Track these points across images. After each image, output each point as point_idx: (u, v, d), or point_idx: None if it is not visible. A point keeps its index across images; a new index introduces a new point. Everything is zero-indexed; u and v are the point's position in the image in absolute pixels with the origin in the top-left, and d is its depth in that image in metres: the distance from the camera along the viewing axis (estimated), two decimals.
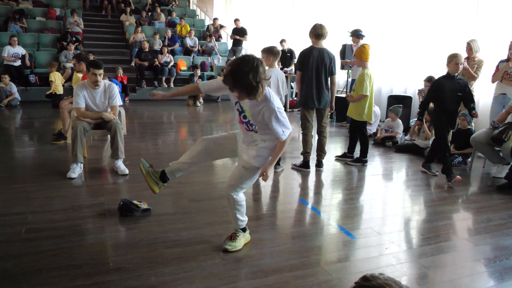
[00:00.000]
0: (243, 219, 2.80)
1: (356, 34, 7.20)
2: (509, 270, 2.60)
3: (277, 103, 2.44)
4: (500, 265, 2.68)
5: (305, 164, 4.75)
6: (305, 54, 4.60)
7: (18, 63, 9.60)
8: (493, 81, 5.57)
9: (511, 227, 3.30)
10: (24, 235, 2.83)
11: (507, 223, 3.39)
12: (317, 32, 4.53)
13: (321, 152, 4.81)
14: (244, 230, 2.83)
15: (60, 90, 8.75)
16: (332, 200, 3.95)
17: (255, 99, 2.32)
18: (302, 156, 4.81)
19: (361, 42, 7.04)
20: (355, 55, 4.97)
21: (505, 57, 5.48)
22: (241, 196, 2.72)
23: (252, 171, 2.62)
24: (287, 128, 2.49)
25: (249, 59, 2.27)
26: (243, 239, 2.80)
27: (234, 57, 12.35)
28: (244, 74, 2.21)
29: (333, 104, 4.82)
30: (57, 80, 8.67)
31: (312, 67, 4.55)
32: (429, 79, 6.69)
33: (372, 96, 4.88)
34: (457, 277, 2.50)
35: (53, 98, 8.64)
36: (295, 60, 10.09)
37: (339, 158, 5.31)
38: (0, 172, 4.28)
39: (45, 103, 9.08)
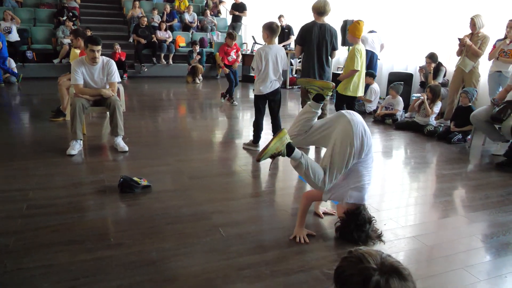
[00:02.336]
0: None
1: None
2: (505, 246, 2.64)
3: None
4: (497, 241, 2.71)
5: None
6: (307, 29, 4.55)
7: (14, 38, 9.45)
8: (489, 59, 5.62)
9: (509, 204, 3.33)
10: (25, 212, 2.85)
11: (504, 200, 3.41)
12: (320, 10, 4.50)
13: None
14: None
15: None
16: None
17: None
18: None
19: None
20: (348, 30, 4.87)
21: (503, 35, 5.46)
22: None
23: None
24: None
25: None
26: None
27: None
28: None
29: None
30: None
31: (313, 42, 4.51)
32: (431, 56, 6.62)
33: (361, 72, 4.76)
34: (453, 253, 2.54)
35: None
36: (293, 36, 9.97)
37: None
38: None
39: (43, 80, 9.01)
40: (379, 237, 2.60)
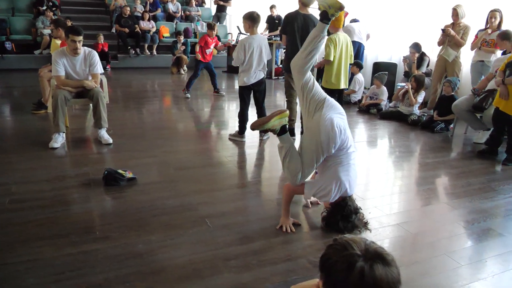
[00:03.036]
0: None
1: None
2: (485, 232, 2.71)
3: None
4: (478, 226, 2.78)
5: (290, 132, 4.75)
6: (290, 18, 4.46)
7: None
8: (472, 49, 5.72)
9: (489, 190, 3.41)
10: (8, 206, 2.81)
11: (485, 187, 3.49)
12: (305, 0, 4.40)
13: (291, 119, 4.73)
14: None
15: None
16: None
17: None
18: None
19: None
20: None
21: (484, 25, 5.55)
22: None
23: None
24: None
25: None
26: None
27: (218, 23, 12.10)
28: None
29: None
30: None
31: (296, 32, 4.42)
32: (414, 46, 6.68)
33: (340, 62, 4.63)
34: (436, 239, 2.59)
35: None
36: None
37: None
38: None
39: (24, 71, 8.80)
40: (365, 225, 2.63)
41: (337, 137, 2.43)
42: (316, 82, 2.64)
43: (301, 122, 4.80)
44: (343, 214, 2.55)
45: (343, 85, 4.73)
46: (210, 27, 7.20)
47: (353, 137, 4.61)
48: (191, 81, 7.19)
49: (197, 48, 7.12)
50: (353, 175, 2.60)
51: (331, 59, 4.56)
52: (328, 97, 2.60)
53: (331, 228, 2.62)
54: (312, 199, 3.00)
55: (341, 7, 2.47)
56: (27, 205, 2.82)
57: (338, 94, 4.96)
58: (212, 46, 7.19)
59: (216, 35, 7.45)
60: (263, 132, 2.68)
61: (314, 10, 4.61)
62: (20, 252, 2.25)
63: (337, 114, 2.53)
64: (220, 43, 7.45)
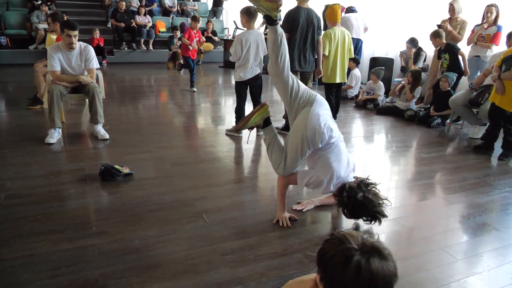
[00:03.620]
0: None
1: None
2: (481, 226, 2.72)
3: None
4: (473, 221, 2.79)
5: (287, 127, 4.76)
6: (293, 14, 4.40)
7: None
8: (468, 44, 5.72)
9: (485, 185, 3.42)
10: (3, 202, 2.79)
11: (481, 182, 3.50)
12: None
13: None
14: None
15: None
16: None
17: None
18: (284, 120, 4.81)
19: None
20: (326, 16, 4.86)
21: (480, 20, 5.55)
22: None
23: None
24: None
25: None
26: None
27: (215, 17, 12.04)
28: None
29: (321, 67, 4.79)
30: None
31: (300, 28, 4.36)
32: (411, 41, 6.68)
33: (336, 57, 4.73)
34: (432, 234, 2.60)
35: None
36: (279, 22, 9.87)
37: None
38: None
39: (19, 67, 8.74)
40: (383, 198, 2.49)
41: (324, 134, 2.43)
42: (300, 83, 2.61)
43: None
44: (355, 204, 2.42)
45: (339, 79, 4.76)
46: (195, 19, 7.18)
47: (350, 132, 4.61)
48: (192, 76, 7.21)
49: (185, 41, 7.09)
50: (345, 162, 2.55)
51: (326, 53, 4.61)
52: (318, 95, 2.59)
53: (354, 218, 2.53)
54: (309, 206, 2.90)
55: (278, 7, 2.43)
56: (23, 201, 2.81)
57: (336, 89, 4.98)
58: (194, 41, 7.12)
59: (213, 30, 7.41)
60: (250, 129, 2.75)
61: (313, 4, 4.61)
62: (16, 248, 2.24)
63: (325, 110, 2.54)
64: (202, 38, 7.37)
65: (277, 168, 2.62)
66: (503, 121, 4.16)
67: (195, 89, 7.30)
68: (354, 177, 2.60)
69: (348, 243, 1.04)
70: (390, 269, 1.02)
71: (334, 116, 5.11)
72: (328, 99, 4.93)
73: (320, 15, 6.06)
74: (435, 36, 5.54)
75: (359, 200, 2.41)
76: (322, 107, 2.53)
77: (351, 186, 2.47)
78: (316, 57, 4.66)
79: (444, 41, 5.50)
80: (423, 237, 2.56)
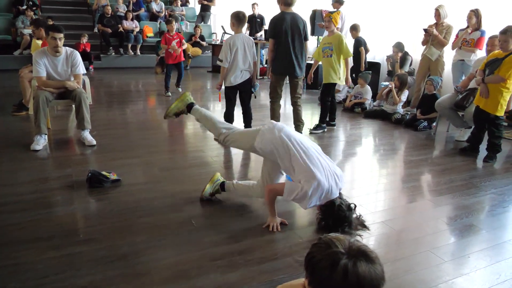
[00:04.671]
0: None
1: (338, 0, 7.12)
2: (468, 228, 2.75)
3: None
4: (461, 223, 2.82)
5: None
6: (277, 20, 4.41)
7: None
8: (453, 48, 5.83)
9: (471, 187, 3.47)
10: None
11: (467, 183, 3.56)
12: (287, 1, 4.37)
13: (298, 123, 4.73)
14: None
15: None
16: None
17: None
18: None
19: (341, 8, 7.02)
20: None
21: (465, 25, 5.66)
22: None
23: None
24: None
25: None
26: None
27: (203, 22, 12.04)
28: None
29: (312, 73, 5.05)
30: None
31: (286, 33, 4.37)
32: (398, 45, 6.77)
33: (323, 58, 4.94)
34: (420, 236, 2.63)
35: None
36: (265, 27, 9.91)
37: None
38: None
39: (3, 72, 8.61)
40: (362, 225, 2.62)
41: (284, 145, 2.52)
42: (237, 137, 2.87)
43: (295, 126, 4.81)
44: (335, 218, 2.50)
45: (331, 80, 4.88)
46: (169, 22, 7.09)
47: (338, 136, 4.63)
48: (166, 81, 7.30)
49: (162, 46, 7.11)
50: (332, 177, 2.49)
51: (316, 57, 4.75)
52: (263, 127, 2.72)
53: (326, 231, 2.57)
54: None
55: (186, 94, 3.14)
56: (8, 208, 2.76)
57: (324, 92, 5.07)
58: (174, 43, 7.01)
59: (201, 35, 7.44)
60: (176, 116, 3.14)
61: (297, 9, 4.64)
62: (2, 256, 2.20)
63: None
64: (183, 42, 7.33)
65: (218, 134, 2.93)
66: (488, 124, 4.23)
67: (180, 89, 7.51)
68: (340, 193, 2.59)
69: (335, 247, 1.05)
70: (377, 272, 1.02)
71: (332, 118, 5.20)
72: (327, 101, 5.04)
73: (307, 20, 6.14)
74: (351, 29, 6.80)
75: (346, 220, 2.53)
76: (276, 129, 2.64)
77: (341, 205, 2.52)
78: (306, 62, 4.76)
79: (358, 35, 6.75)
80: (411, 239, 2.59)
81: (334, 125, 5.31)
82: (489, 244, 2.56)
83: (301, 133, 4.74)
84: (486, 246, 2.53)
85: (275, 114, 4.70)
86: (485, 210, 3.07)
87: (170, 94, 7.26)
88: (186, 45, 7.72)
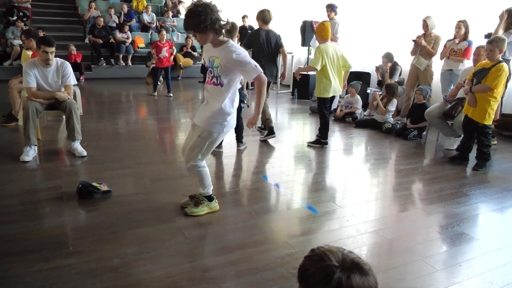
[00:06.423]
0: (206, 185, 2.89)
1: (331, 7, 7.19)
2: (459, 236, 2.77)
3: (241, 50, 2.61)
4: (452, 231, 2.84)
5: (270, 131, 5.09)
6: (254, 34, 5.06)
7: None
8: (441, 58, 5.91)
9: (461, 195, 3.50)
10: None
11: (457, 192, 3.58)
12: (265, 19, 5.01)
13: (266, 119, 5.18)
14: (210, 199, 2.92)
15: None
16: (294, 176, 4.02)
17: (210, 41, 2.58)
18: (265, 127, 5.21)
19: (335, 17, 7.08)
20: (316, 32, 4.92)
21: (453, 36, 5.74)
22: (201, 163, 2.80)
23: (208, 137, 2.70)
24: (256, 65, 2.64)
25: (201, 4, 2.49)
26: (206, 208, 2.91)
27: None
28: (196, 15, 2.45)
29: (285, 73, 5.30)
30: None
31: (261, 45, 4.94)
32: (387, 55, 6.85)
33: (327, 71, 4.67)
34: (412, 245, 2.63)
35: None
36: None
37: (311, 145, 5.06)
38: None
39: None
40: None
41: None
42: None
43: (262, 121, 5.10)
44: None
45: (332, 93, 4.75)
46: (159, 31, 8.16)
47: (329, 145, 4.65)
48: (155, 85, 8.16)
49: (153, 52, 7.98)
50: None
51: (318, 67, 4.57)
52: None
53: None
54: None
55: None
56: None
57: (329, 102, 4.97)
58: (164, 50, 7.83)
59: (192, 45, 7.65)
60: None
61: (287, 19, 4.78)
62: None
63: None
64: (169, 54, 8.09)
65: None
66: (476, 133, 4.28)
67: (171, 95, 8.07)
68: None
69: (329, 260, 1.04)
70: (370, 284, 1.02)
71: (326, 136, 5.12)
72: (321, 112, 4.91)
73: (297, 30, 6.32)
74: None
75: None
76: None
77: None
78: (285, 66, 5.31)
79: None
80: (403, 248, 2.59)
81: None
82: (481, 252, 2.57)
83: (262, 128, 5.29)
84: (478, 254, 2.54)
85: (265, 112, 5.07)
86: (476, 218, 3.09)
87: (156, 94, 8.08)
88: (175, 50, 8.68)
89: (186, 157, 2.83)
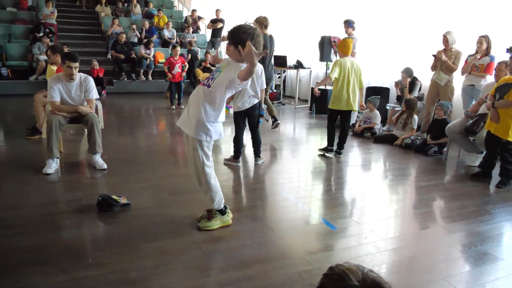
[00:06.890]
0: (217, 201, 2.89)
1: (348, 23, 7.23)
2: (483, 255, 2.68)
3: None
4: (475, 250, 2.75)
5: (274, 119, 5.99)
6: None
7: None
8: (462, 73, 5.81)
9: (484, 213, 3.40)
10: None
11: (480, 209, 3.49)
12: (264, 24, 5.27)
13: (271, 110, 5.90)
14: (222, 212, 2.92)
15: None
16: (312, 191, 3.99)
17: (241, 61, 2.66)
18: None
19: (353, 33, 7.11)
20: (337, 47, 5.07)
21: (474, 51, 5.67)
22: (211, 171, 2.85)
23: (200, 145, 2.81)
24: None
25: (255, 28, 2.73)
26: (219, 221, 2.91)
27: (213, 49, 12.27)
28: (247, 34, 2.62)
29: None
30: None
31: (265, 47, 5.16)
32: (406, 71, 6.80)
33: (342, 85, 4.80)
34: (433, 263, 2.57)
35: None
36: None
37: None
38: None
39: (19, 97, 8.82)
40: None
41: None
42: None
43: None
44: None
45: (344, 107, 4.85)
46: (174, 47, 8.45)
47: (347, 161, 4.63)
48: (171, 99, 8.56)
49: (165, 69, 8.42)
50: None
51: (332, 76, 4.74)
52: None
53: None
54: None
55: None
56: (17, 231, 2.77)
57: (343, 117, 4.99)
58: (176, 66, 8.25)
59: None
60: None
61: (308, 35, 4.82)
62: (7, 280, 2.20)
63: None
64: (181, 70, 8.47)
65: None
66: (499, 149, 4.18)
67: (182, 107, 8.34)
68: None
69: (349, 280, 1.01)
70: None
71: (341, 146, 5.10)
72: (328, 126, 5.02)
73: (316, 45, 6.64)
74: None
75: None
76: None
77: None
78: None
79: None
80: (424, 267, 2.52)
81: (340, 154, 5.17)
82: (506, 272, 2.48)
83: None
84: (503, 274, 2.46)
85: (271, 109, 5.97)
86: (500, 237, 3.00)
87: (174, 107, 8.43)
88: (187, 66, 9.02)
89: (197, 178, 2.89)
